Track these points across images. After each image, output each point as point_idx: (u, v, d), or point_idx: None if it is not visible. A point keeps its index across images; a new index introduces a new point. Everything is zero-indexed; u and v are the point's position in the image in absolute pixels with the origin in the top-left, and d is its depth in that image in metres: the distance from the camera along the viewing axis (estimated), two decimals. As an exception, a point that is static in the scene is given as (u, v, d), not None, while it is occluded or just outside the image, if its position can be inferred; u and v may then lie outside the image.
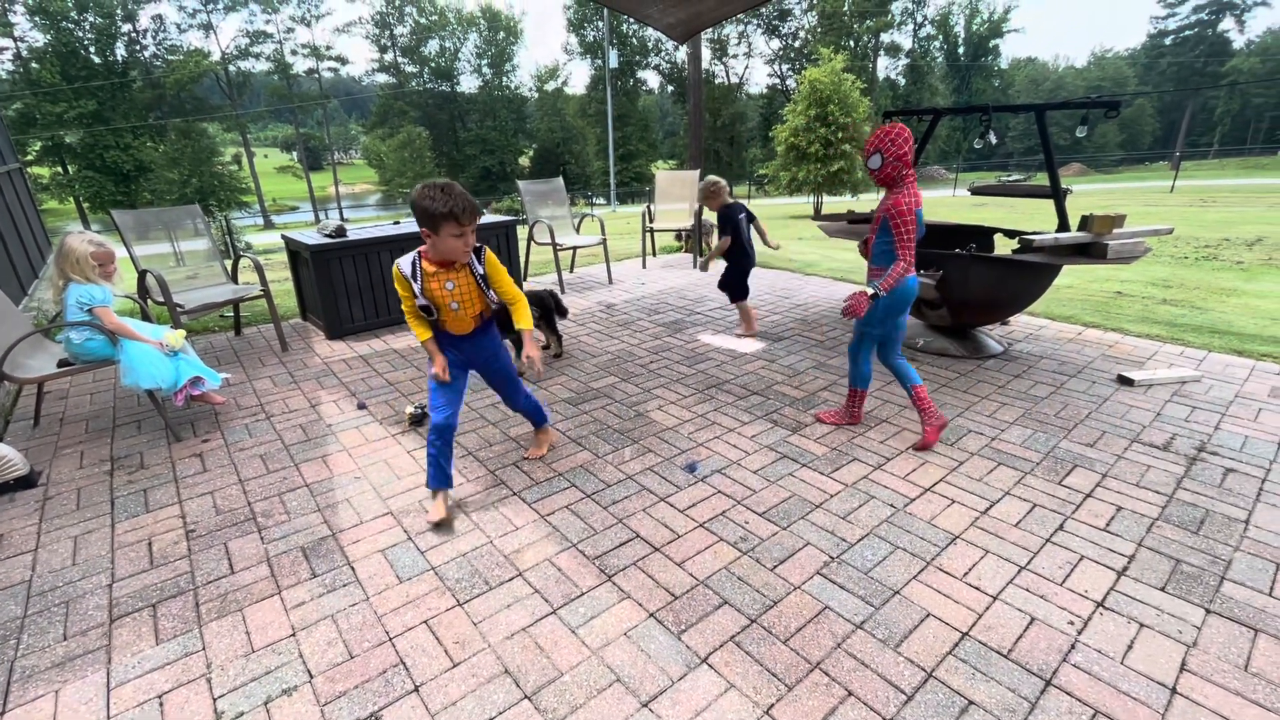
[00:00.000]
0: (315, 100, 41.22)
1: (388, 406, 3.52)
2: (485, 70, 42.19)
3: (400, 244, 4.94)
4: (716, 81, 43.50)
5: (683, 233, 8.08)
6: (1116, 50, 64.84)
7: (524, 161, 44.69)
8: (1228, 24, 47.86)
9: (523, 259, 6.14)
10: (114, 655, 1.81)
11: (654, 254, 7.78)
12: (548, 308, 4.05)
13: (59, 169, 31.69)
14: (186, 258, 4.56)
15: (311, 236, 4.84)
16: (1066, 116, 24.66)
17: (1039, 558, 2.13)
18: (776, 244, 4.71)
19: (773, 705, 1.60)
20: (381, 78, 42.12)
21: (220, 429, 3.27)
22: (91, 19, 30.60)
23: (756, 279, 6.42)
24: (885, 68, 45.96)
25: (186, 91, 33.59)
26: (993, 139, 4.13)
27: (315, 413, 3.45)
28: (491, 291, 2.32)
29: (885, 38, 43.79)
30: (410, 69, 41.41)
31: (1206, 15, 47.96)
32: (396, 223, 5.62)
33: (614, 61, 34.15)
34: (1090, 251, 3.71)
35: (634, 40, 43.19)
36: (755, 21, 42.85)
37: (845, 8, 40.47)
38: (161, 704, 1.64)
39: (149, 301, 3.98)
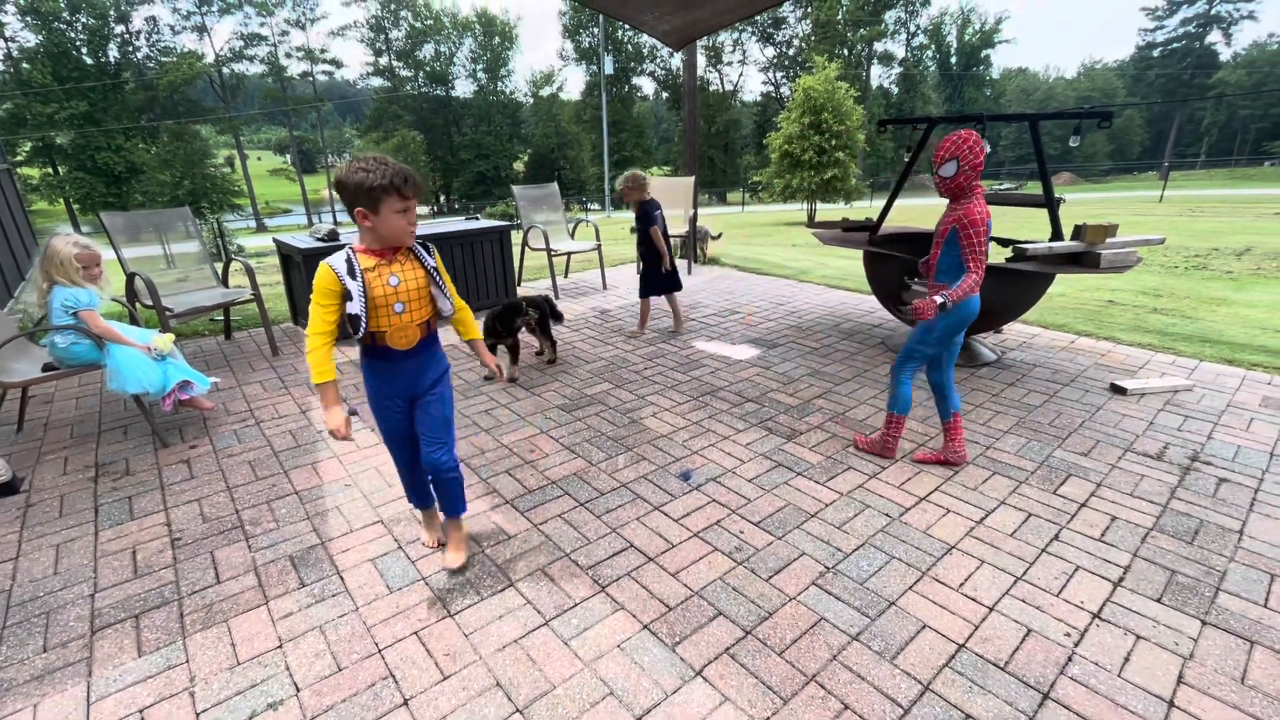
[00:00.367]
0: (309, 103, 41.08)
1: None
2: (480, 75, 42.20)
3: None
4: (711, 88, 43.78)
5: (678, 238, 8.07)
6: (1106, 62, 65.80)
7: (519, 166, 44.63)
8: (1215, 37, 48.56)
9: (517, 264, 6.12)
10: (95, 668, 1.76)
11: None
12: (543, 312, 4.04)
13: (49, 170, 31.44)
14: (177, 260, 4.51)
15: (303, 240, 4.80)
16: (1057, 126, 24.91)
17: (1035, 568, 2.12)
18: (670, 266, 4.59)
19: (768, 719, 1.57)
20: (376, 81, 42.06)
21: (208, 435, 3.23)
22: (84, 20, 30.44)
23: (750, 286, 6.43)
24: (879, 76, 46.42)
25: (179, 93, 33.37)
26: (987, 148, 4.15)
27: (305, 419, 3.41)
28: (444, 295, 1.92)
29: (879, 46, 44.19)
30: (405, 73, 41.37)
31: (1194, 28, 48.62)
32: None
33: (609, 68, 34.32)
34: (1083, 261, 3.74)
35: (629, 47, 43.42)
36: (750, 29, 43.16)
37: (839, 16, 40.85)
38: (143, 718, 1.60)
39: (138, 305, 3.93)
